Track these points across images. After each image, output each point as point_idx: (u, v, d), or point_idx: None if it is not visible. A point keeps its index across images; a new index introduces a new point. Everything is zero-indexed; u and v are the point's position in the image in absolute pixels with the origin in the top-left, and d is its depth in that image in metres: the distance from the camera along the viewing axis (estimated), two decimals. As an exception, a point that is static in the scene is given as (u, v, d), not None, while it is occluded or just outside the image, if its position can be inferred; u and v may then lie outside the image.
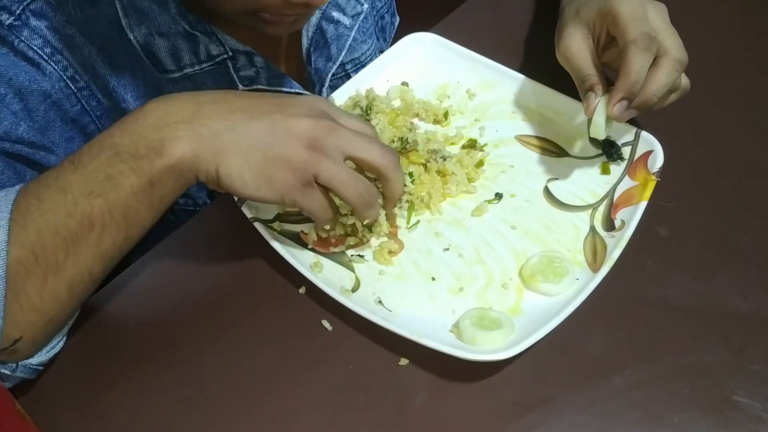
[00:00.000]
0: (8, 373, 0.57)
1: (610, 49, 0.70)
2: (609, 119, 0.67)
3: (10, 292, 0.54)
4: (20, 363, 0.57)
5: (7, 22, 0.66)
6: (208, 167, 0.56)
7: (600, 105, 0.66)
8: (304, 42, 0.81)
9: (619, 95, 0.65)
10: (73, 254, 0.55)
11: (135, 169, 0.55)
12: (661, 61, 0.65)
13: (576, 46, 0.69)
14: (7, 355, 0.56)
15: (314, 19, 0.80)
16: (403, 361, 0.60)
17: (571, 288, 0.63)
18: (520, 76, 0.78)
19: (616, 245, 0.64)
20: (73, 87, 0.70)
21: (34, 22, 0.67)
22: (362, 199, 0.60)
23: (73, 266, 0.56)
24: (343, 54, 0.83)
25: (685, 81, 0.69)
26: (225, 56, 0.74)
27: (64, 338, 0.61)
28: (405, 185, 0.66)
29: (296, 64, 0.82)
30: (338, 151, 0.58)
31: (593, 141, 0.73)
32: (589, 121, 0.68)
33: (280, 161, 0.57)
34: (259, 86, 0.76)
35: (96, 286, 0.59)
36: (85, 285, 0.58)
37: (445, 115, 0.77)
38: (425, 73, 0.81)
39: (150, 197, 0.56)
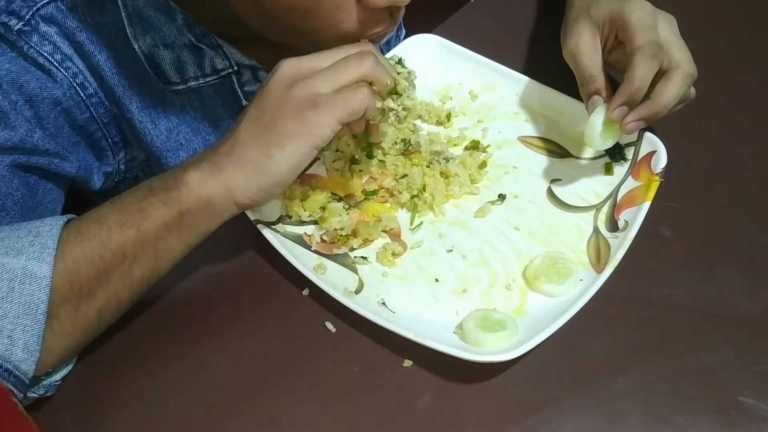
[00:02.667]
0: (37, 395, 0.58)
1: (616, 50, 0.70)
2: (608, 131, 0.67)
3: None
4: (45, 383, 0.58)
5: (17, 27, 0.65)
6: (237, 182, 0.59)
7: (596, 114, 0.67)
8: None
9: (620, 100, 0.65)
10: (105, 282, 0.57)
11: (165, 200, 0.58)
12: (672, 74, 0.66)
13: (584, 44, 0.69)
14: (35, 381, 0.57)
15: None
16: (407, 363, 0.60)
17: (575, 289, 0.62)
18: (523, 78, 0.78)
19: (620, 246, 0.64)
20: (82, 94, 0.69)
21: (44, 27, 0.66)
22: (366, 66, 0.60)
23: (104, 294, 0.58)
24: None
25: (692, 91, 0.69)
26: (230, 70, 0.74)
27: None
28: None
29: None
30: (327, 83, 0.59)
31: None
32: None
33: (279, 116, 0.59)
34: None
35: (122, 313, 0.61)
36: (114, 312, 0.60)
37: (448, 116, 0.77)
38: (428, 74, 0.80)
39: (180, 228, 0.59)
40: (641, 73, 0.64)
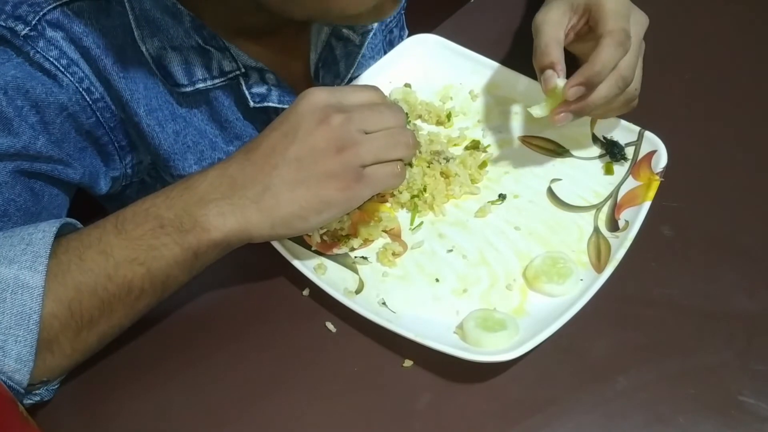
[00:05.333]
0: (34, 401, 0.58)
1: (581, 41, 0.70)
2: (549, 102, 0.66)
3: (43, 342, 0.55)
4: (41, 391, 0.58)
5: (23, 32, 0.65)
6: (261, 232, 0.59)
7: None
8: (313, 58, 0.81)
9: (579, 79, 0.64)
10: (108, 313, 0.57)
11: (180, 242, 0.57)
12: (605, 39, 0.65)
13: (551, 18, 0.69)
14: (32, 389, 0.57)
15: (324, 36, 0.80)
16: (408, 363, 0.60)
17: (576, 289, 0.62)
18: (523, 77, 0.77)
19: (620, 246, 0.64)
20: (88, 99, 0.69)
21: (50, 32, 0.66)
22: (410, 151, 0.63)
23: (106, 322, 0.58)
24: (351, 71, 0.82)
25: (635, 93, 0.70)
26: (237, 72, 0.73)
27: None
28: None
29: (304, 80, 0.82)
30: (361, 132, 0.60)
31: (596, 140, 0.73)
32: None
33: (323, 181, 0.59)
34: (270, 104, 0.76)
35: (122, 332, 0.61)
36: (115, 336, 0.60)
37: (448, 116, 0.77)
38: (428, 74, 0.81)
39: (192, 266, 0.59)
40: (606, 56, 0.64)
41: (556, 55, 0.67)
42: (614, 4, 0.66)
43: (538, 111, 0.67)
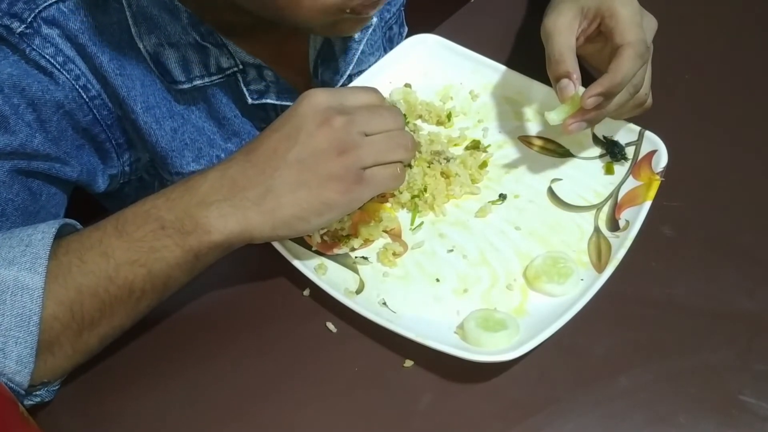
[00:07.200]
0: (34, 402, 0.58)
1: (591, 43, 0.70)
2: (565, 109, 0.66)
3: (44, 343, 0.55)
4: (41, 392, 0.58)
5: (19, 30, 0.65)
6: (262, 233, 0.59)
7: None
8: (312, 55, 0.81)
9: (599, 90, 0.64)
10: (109, 314, 0.57)
11: (181, 244, 0.57)
12: (623, 50, 0.65)
13: (562, 24, 0.68)
14: (33, 390, 0.57)
15: None
16: (408, 363, 0.60)
17: (576, 288, 0.62)
18: (523, 77, 0.77)
19: (621, 245, 0.64)
20: (85, 96, 0.69)
21: (46, 30, 0.66)
22: (409, 154, 0.63)
23: (107, 324, 0.58)
24: (350, 67, 0.82)
25: (648, 101, 0.70)
26: (235, 69, 0.73)
27: None
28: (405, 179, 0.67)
29: (303, 77, 0.82)
30: (362, 135, 0.60)
31: (596, 140, 0.73)
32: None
33: (325, 183, 0.59)
34: (268, 100, 0.76)
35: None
36: (115, 336, 0.60)
37: (449, 116, 0.77)
38: (428, 74, 0.80)
39: (192, 268, 0.59)
40: (627, 68, 0.64)
41: (571, 64, 0.66)
42: (629, 11, 0.66)
43: (554, 117, 0.67)
